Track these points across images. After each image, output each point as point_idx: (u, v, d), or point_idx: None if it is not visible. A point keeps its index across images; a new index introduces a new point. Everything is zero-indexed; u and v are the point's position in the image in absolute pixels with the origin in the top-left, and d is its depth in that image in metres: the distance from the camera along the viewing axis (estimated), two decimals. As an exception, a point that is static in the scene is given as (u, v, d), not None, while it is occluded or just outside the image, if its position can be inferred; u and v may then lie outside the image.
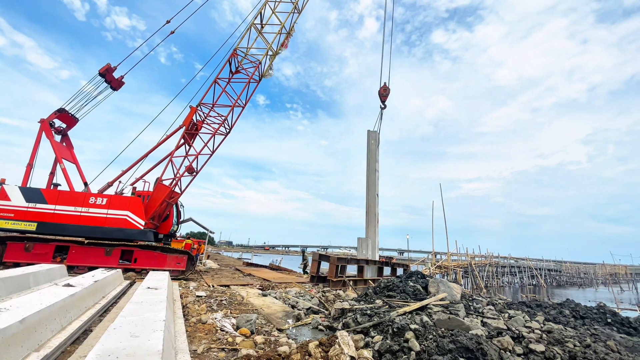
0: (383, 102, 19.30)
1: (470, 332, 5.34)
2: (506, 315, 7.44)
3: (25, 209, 11.53)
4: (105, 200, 12.46)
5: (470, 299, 8.99)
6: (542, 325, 6.60)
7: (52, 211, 11.79)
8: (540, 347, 5.04)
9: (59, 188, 12.95)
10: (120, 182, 13.98)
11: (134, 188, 14.10)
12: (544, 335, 5.67)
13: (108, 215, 12.31)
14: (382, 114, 19.27)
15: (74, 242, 11.59)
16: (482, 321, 6.52)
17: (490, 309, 7.86)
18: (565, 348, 5.16)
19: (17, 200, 11.53)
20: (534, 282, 44.09)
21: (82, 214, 12.06)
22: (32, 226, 11.47)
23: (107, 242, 11.96)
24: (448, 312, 6.78)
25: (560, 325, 6.96)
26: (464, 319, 6.34)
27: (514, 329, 5.93)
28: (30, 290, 6.78)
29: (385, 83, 19.38)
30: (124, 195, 13.55)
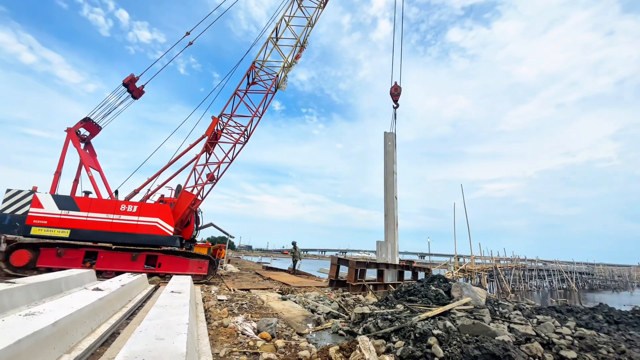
0: (395, 101, 19.12)
1: (496, 338, 5.16)
2: (535, 320, 7.15)
3: (58, 216, 12.09)
4: (135, 207, 12.93)
5: (495, 303, 8.69)
6: (573, 331, 6.29)
7: (84, 218, 12.32)
8: (571, 354, 4.81)
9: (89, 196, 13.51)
10: (149, 190, 14.50)
11: (162, 195, 14.59)
12: (576, 342, 5.40)
13: (139, 222, 12.78)
14: (395, 113, 19.06)
15: (102, 247, 12.06)
16: (508, 327, 6.29)
17: (517, 314, 7.57)
18: (599, 355, 4.90)
19: (50, 207, 12.11)
20: (564, 286, 42.10)
21: (113, 221, 12.55)
22: (66, 233, 11.99)
23: (132, 247, 12.37)
24: (472, 317, 6.58)
25: (593, 330, 6.61)
26: (489, 324, 6.13)
27: (543, 335, 5.68)
28: (62, 294, 7.11)
29: (396, 82, 19.19)
30: (149, 202, 14.00)
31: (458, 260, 34.38)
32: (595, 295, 35.64)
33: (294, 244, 20.59)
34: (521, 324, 6.49)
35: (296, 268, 20.17)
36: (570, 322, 7.17)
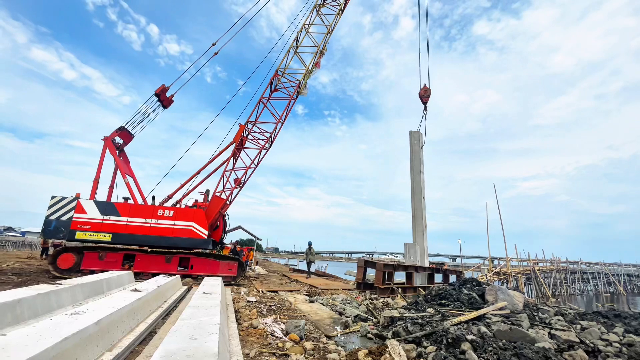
0: (425, 103, 18.61)
1: (535, 344, 4.88)
2: (578, 326, 6.69)
3: (101, 221, 12.86)
4: (172, 212, 13.56)
5: (534, 308, 8.23)
6: (621, 337, 5.82)
7: (125, 223, 13.03)
8: (622, 364, 4.45)
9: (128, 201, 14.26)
10: (183, 195, 15.15)
11: (196, 201, 15.20)
12: (624, 349, 5.00)
13: (175, 226, 13.41)
14: (425, 115, 18.58)
15: (139, 250, 12.70)
16: (549, 333, 5.92)
17: (558, 319, 7.12)
18: (655, 366, 4.50)
19: (92, 213, 12.91)
20: (611, 290, 39.20)
21: (152, 225, 13.22)
22: (108, 237, 12.72)
23: (167, 250, 12.93)
24: (509, 322, 6.27)
25: (645, 338, 6.09)
26: (528, 330, 5.82)
27: (587, 342, 5.31)
28: (103, 294, 7.54)
29: (425, 84, 18.72)
30: (182, 206, 14.58)
31: (492, 262, 32.96)
32: (647, 300, 32.82)
33: (309, 244, 18.62)
34: (563, 330, 6.09)
35: (310, 270, 18.75)
36: (618, 328, 6.64)
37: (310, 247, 18.55)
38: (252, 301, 8.90)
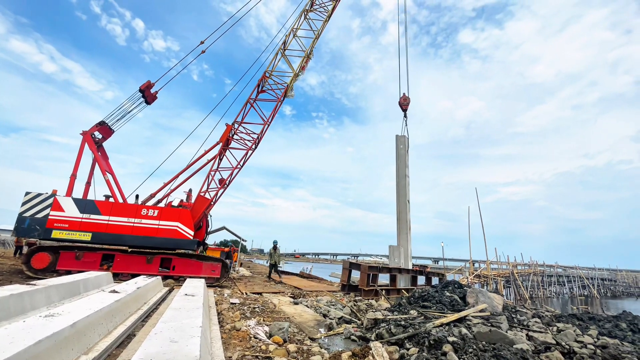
0: (404, 111, 19.18)
1: (514, 346, 5.01)
2: (554, 328, 6.91)
3: (79, 220, 12.37)
4: (156, 212, 13.19)
5: (513, 310, 8.46)
6: (595, 339, 6.05)
7: (106, 222, 12.56)
8: (595, 365, 4.62)
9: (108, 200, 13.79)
10: (165, 194, 14.78)
11: (182, 200, 14.86)
12: (598, 351, 5.19)
13: (160, 226, 13.02)
14: (406, 122, 19.14)
15: (119, 250, 12.30)
16: (527, 335, 6.10)
17: (536, 321, 7.34)
18: (625, 366, 4.69)
19: (70, 211, 12.41)
20: (585, 293, 40.71)
21: (135, 224, 12.79)
22: (87, 236, 12.21)
23: (148, 250, 12.58)
24: (489, 324, 6.41)
25: (617, 339, 6.35)
26: (507, 332, 5.96)
27: (563, 343, 5.49)
28: (80, 296, 7.27)
29: (404, 93, 19.28)
30: (163, 206, 14.24)
31: (473, 265, 33.68)
32: (618, 303, 34.26)
33: (274, 243, 17.23)
34: (540, 332, 6.28)
35: (273, 272, 17.09)
36: (592, 330, 6.91)
37: (275, 247, 17.24)
38: (235, 303, 8.79)
